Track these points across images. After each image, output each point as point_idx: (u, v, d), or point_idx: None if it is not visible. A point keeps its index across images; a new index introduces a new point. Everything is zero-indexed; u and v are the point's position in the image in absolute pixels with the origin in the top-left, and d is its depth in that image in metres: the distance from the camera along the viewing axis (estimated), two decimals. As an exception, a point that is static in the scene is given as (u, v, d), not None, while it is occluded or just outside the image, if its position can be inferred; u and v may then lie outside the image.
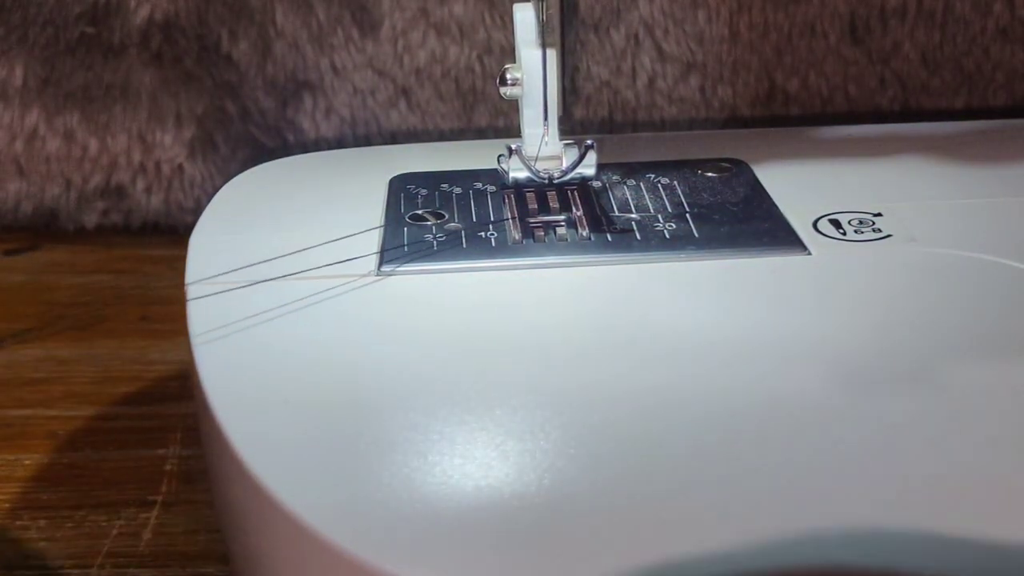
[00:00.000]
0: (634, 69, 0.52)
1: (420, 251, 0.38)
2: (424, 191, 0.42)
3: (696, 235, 0.38)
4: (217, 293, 0.35)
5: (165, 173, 0.54)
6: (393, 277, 0.36)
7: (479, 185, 0.43)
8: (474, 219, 0.40)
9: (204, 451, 0.32)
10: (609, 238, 0.38)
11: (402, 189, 0.42)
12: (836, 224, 0.39)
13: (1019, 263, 0.36)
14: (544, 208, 0.40)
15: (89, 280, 0.51)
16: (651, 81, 0.52)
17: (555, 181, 0.40)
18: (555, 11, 0.39)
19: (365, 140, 0.53)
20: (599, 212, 0.40)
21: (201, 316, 0.34)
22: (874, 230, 0.38)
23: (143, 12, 0.51)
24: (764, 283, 0.35)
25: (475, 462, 0.27)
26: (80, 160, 0.54)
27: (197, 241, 0.39)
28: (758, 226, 0.39)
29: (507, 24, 0.51)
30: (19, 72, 0.52)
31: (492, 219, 0.40)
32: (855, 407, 0.29)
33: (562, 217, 0.40)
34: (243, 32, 0.51)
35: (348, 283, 0.36)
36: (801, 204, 0.40)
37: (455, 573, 0.24)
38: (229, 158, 0.53)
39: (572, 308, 0.35)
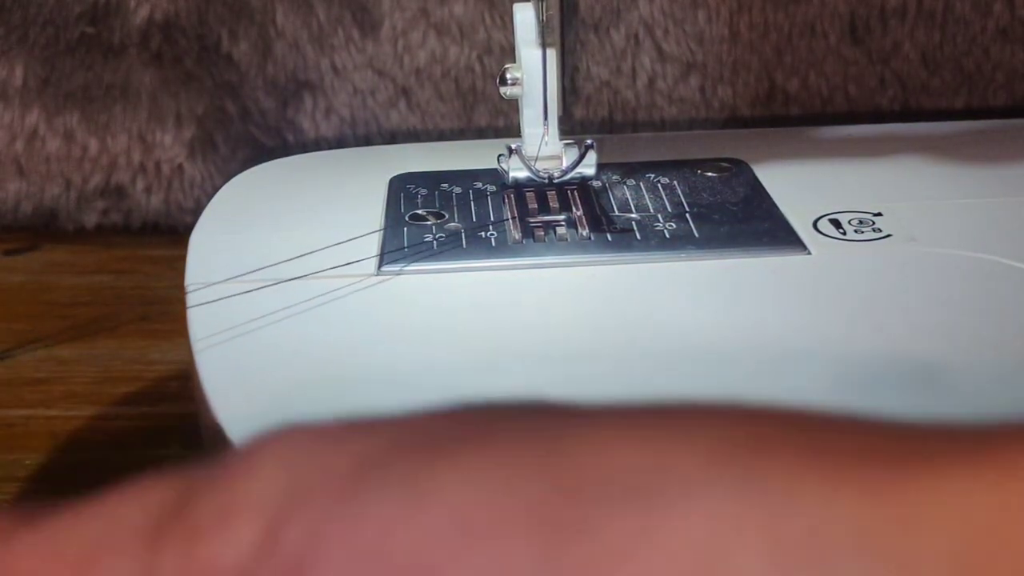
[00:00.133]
0: (634, 69, 0.52)
1: (420, 251, 0.38)
2: (424, 191, 0.42)
3: (696, 235, 0.38)
4: (217, 300, 0.35)
5: (165, 173, 0.54)
6: (393, 278, 0.36)
7: (479, 185, 0.43)
8: (474, 219, 0.40)
9: (205, 452, 0.32)
10: (609, 238, 0.38)
11: (402, 189, 0.42)
12: (836, 224, 0.39)
13: (1019, 263, 0.36)
14: (544, 208, 0.40)
15: (89, 280, 0.51)
16: (651, 81, 0.52)
17: (555, 181, 0.40)
18: (555, 11, 0.39)
19: (365, 140, 0.53)
20: (599, 212, 0.40)
21: (201, 319, 0.34)
22: (874, 230, 0.38)
23: (143, 12, 0.51)
24: (764, 283, 0.35)
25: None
26: (80, 160, 0.54)
27: (197, 241, 0.39)
28: (758, 226, 0.39)
29: (507, 24, 0.50)
30: (19, 72, 0.52)
31: (492, 219, 0.40)
32: (855, 407, 0.29)
33: (562, 217, 0.40)
34: (243, 32, 0.51)
35: (348, 284, 0.36)
36: (801, 204, 0.40)
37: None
38: (229, 158, 0.53)
39: (572, 308, 0.35)
